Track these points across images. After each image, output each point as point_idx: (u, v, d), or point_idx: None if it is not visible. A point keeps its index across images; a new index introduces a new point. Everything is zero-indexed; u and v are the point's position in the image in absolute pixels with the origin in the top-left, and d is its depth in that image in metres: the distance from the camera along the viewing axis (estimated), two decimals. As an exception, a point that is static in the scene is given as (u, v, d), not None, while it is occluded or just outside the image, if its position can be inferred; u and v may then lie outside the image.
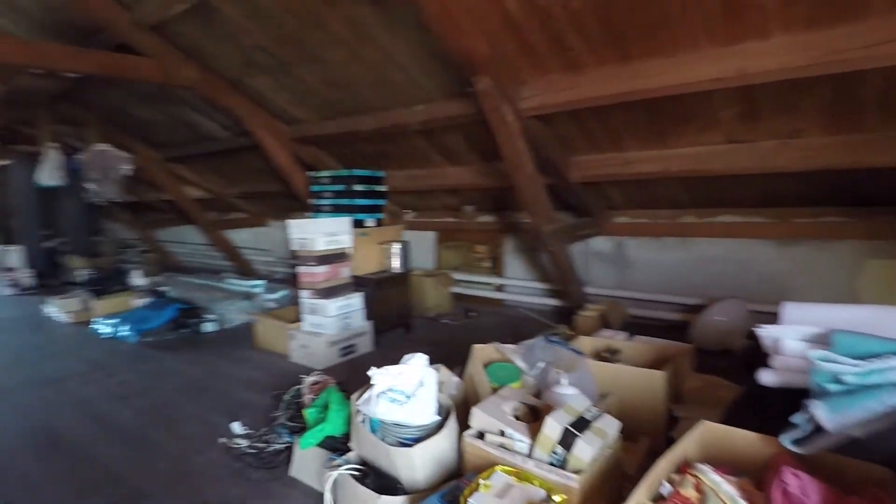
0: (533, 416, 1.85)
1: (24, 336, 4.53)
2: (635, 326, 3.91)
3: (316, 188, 4.32)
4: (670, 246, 4.13)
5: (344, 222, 3.88)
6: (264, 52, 3.84)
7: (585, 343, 2.76)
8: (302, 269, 3.76)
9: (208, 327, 4.55)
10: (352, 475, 1.81)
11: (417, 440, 1.78)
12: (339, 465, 1.88)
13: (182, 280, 5.73)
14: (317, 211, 4.32)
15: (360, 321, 3.86)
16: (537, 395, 2.06)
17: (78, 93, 5.35)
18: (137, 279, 5.51)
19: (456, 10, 2.64)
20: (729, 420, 1.71)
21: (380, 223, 4.30)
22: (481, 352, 2.33)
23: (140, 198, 8.03)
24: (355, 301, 3.84)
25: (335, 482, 1.84)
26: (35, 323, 4.96)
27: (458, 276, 5.35)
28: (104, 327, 4.42)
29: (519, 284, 5.04)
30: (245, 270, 7.31)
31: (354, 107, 4.17)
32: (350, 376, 2.84)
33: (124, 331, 4.25)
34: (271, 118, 4.74)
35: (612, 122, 3.34)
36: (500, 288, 5.23)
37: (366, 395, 1.87)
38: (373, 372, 1.83)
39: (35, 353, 4.05)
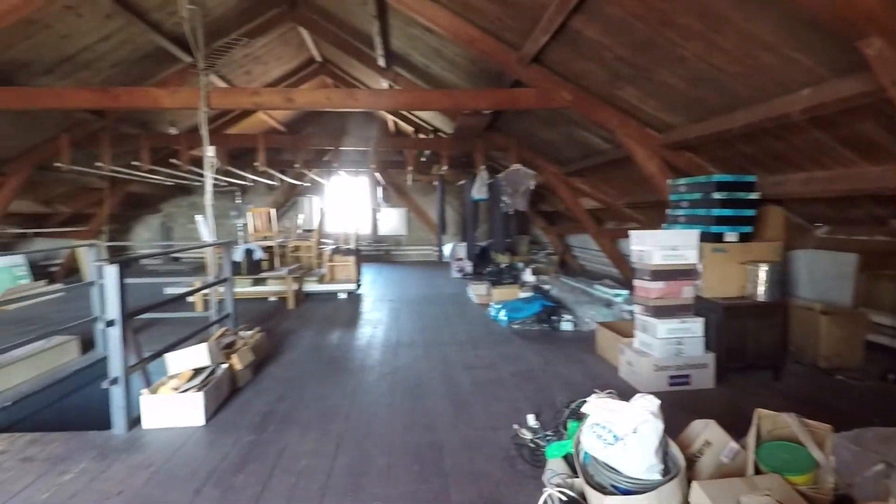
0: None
1: (447, 307, 6.15)
2: None
3: (673, 197, 3.99)
4: None
5: (690, 235, 3.45)
6: (624, 62, 3.84)
7: None
8: (637, 283, 3.59)
9: (565, 326, 4.93)
10: (561, 500, 1.72)
11: (626, 493, 1.53)
12: (560, 486, 1.82)
13: (563, 281, 6.36)
14: (673, 221, 3.99)
15: (697, 350, 3.36)
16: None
17: (500, 124, 6.75)
18: (527, 275, 6.50)
19: (817, -45, 1.97)
20: None
21: (746, 238, 3.56)
22: (768, 421, 1.69)
23: (553, 207, 9.32)
24: (694, 326, 3.36)
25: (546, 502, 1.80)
26: (458, 300, 6.63)
27: (885, 319, 3.78)
28: (492, 310, 5.47)
29: None
30: (630, 280, 7.38)
31: (723, 103, 3.61)
32: (672, 412, 2.55)
33: (501, 316, 5.15)
34: (643, 127, 4.65)
35: None
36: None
37: (585, 423, 1.73)
38: (592, 398, 1.68)
39: (445, 321, 5.46)
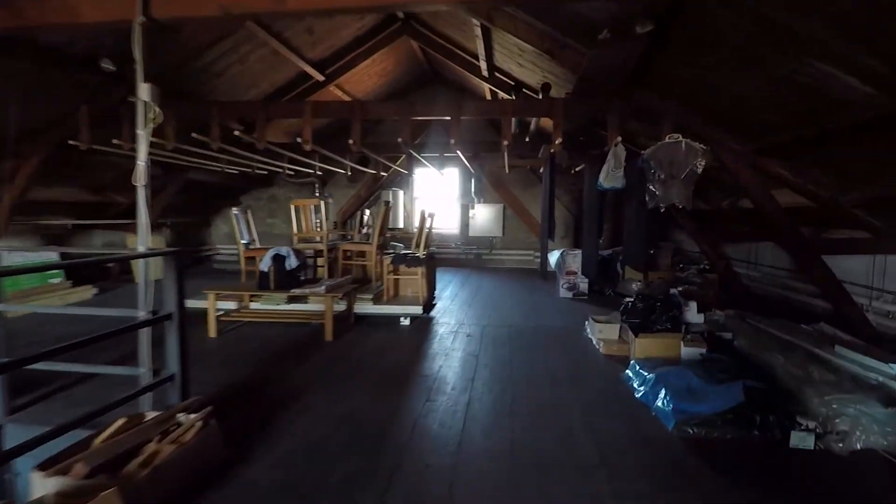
0: None
1: (555, 360, 3.85)
2: None
3: None
4: None
5: None
6: None
7: None
8: None
9: (798, 440, 2.49)
10: None
11: None
12: None
13: (751, 324, 3.82)
14: None
15: None
16: None
17: (654, 73, 4.32)
18: (692, 314, 4.03)
19: None
20: None
21: None
22: None
23: (708, 203, 6.60)
24: None
25: None
26: (571, 342, 4.31)
27: None
28: (636, 381, 3.16)
29: None
30: (851, 321, 4.58)
31: None
32: None
33: (660, 402, 2.82)
34: None
35: None
36: None
37: None
38: None
39: (551, 392, 3.19)
